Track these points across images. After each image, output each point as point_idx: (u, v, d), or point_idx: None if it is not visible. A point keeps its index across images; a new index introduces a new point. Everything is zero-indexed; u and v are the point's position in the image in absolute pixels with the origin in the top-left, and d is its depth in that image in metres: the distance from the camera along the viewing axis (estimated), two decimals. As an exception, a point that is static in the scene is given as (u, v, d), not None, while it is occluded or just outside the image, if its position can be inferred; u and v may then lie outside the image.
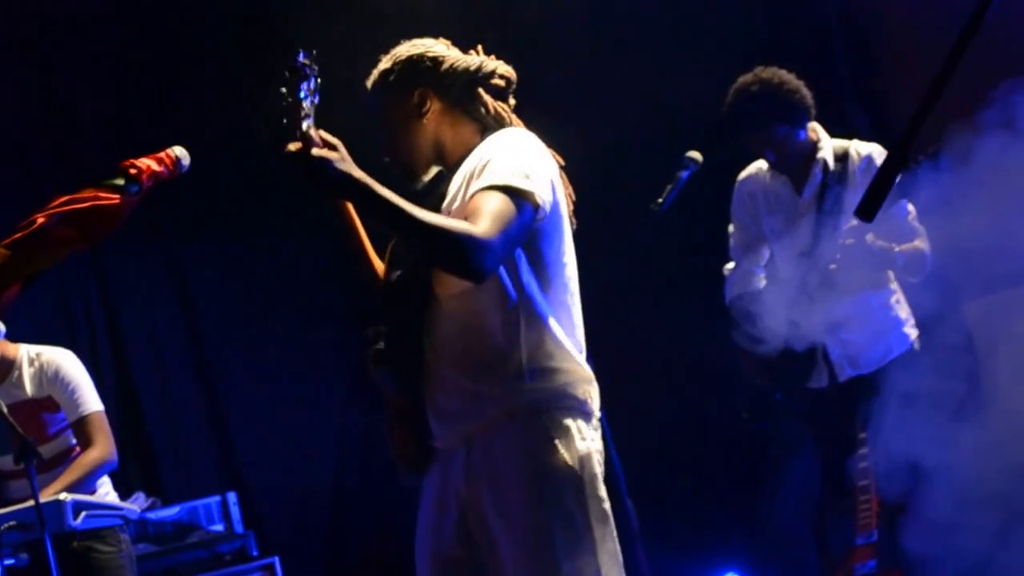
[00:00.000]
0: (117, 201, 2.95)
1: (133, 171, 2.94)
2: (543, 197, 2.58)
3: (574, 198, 2.81)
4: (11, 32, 6.06)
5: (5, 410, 3.97)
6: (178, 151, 3.00)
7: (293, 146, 2.42)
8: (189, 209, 6.22)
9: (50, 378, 4.37)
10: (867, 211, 1.90)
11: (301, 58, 2.48)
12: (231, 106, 6.02)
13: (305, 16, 5.76)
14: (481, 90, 2.77)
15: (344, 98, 2.87)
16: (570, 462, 2.58)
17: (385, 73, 2.78)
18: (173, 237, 6.43)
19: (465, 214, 2.51)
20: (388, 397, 2.77)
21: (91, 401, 4.39)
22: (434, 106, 2.75)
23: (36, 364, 4.40)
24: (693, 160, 4.24)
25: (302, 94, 2.47)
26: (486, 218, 2.47)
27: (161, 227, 6.26)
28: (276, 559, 5.17)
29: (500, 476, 2.59)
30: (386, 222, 2.46)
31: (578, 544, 2.55)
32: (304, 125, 2.44)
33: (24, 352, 4.44)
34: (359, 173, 2.42)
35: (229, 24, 6.22)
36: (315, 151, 2.40)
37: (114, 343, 6.19)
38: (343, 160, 2.44)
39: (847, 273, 4.21)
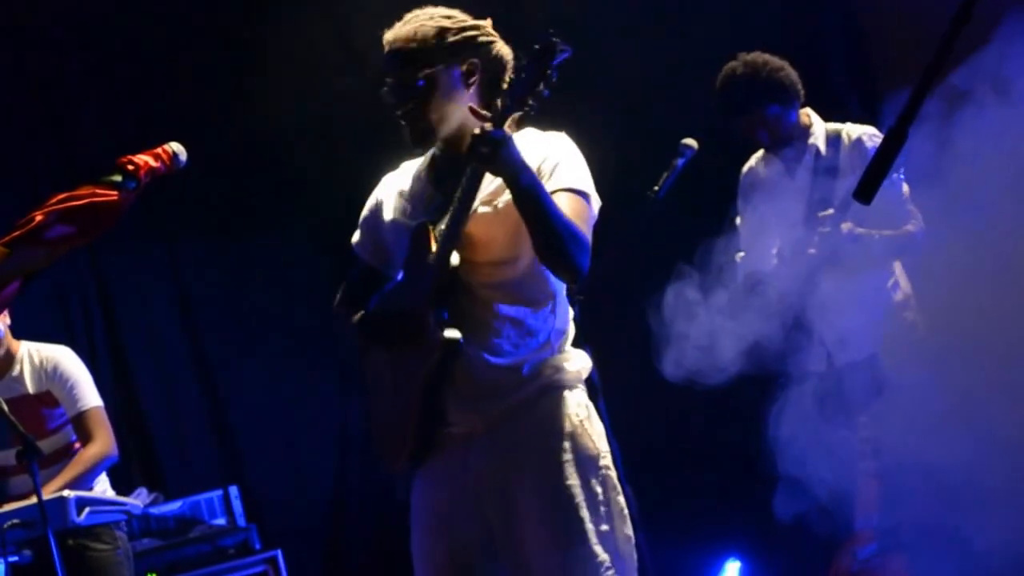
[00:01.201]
0: (115, 197, 2.94)
1: (130, 167, 2.93)
2: (599, 205, 2.70)
3: None
4: (8, 21, 6.06)
5: (6, 408, 4.00)
6: (175, 147, 2.99)
7: (488, 125, 2.51)
8: (186, 205, 6.22)
9: (49, 374, 4.40)
10: (865, 193, 1.89)
11: (559, 45, 2.54)
12: (230, 103, 6.04)
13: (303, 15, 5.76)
14: (504, 81, 2.79)
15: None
16: (594, 439, 2.68)
17: (444, 30, 2.74)
18: (171, 233, 6.43)
19: None
20: (391, 386, 2.76)
21: (90, 396, 4.42)
22: (476, 82, 2.76)
23: (36, 360, 4.43)
24: (688, 147, 4.25)
25: (551, 73, 2.54)
26: (581, 221, 2.59)
27: (159, 223, 6.26)
28: (279, 552, 5.18)
29: (528, 456, 2.64)
30: (531, 207, 2.53)
31: (601, 519, 2.62)
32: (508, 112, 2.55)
33: (25, 349, 4.48)
34: (520, 156, 2.51)
35: (231, 22, 6.21)
36: (507, 128, 2.52)
37: (112, 339, 6.19)
38: (510, 139, 2.51)
39: (825, 259, 4.22)
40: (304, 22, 5.73)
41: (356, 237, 2.93)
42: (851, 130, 4.34)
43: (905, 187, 4.20)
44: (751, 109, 4.30)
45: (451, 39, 2.74)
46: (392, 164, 2.99)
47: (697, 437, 5.91)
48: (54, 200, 2.94)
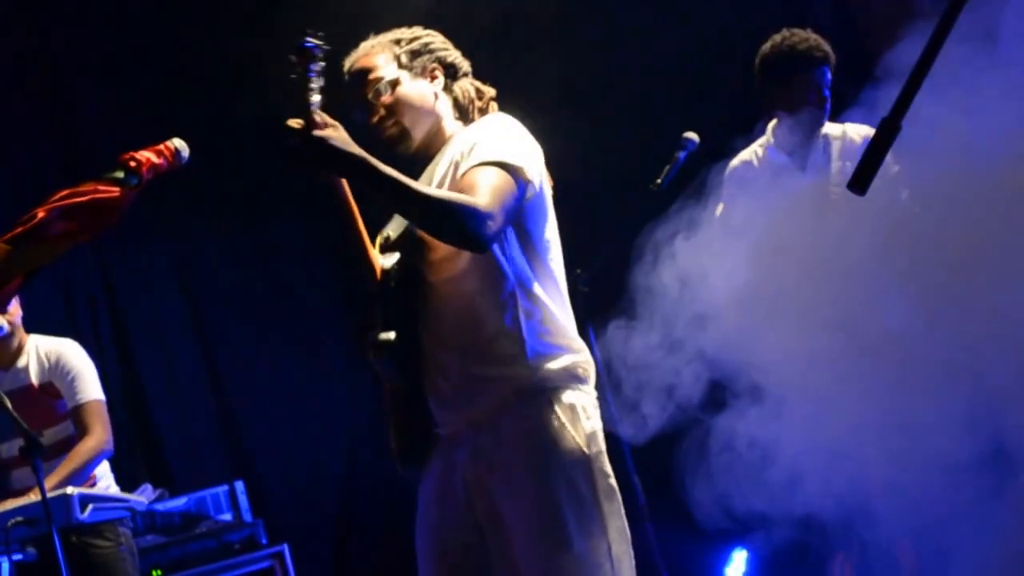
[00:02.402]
0: (117, 194, 2.93)
1: (132, 164, 2.93)
2: (532, 173, 2.65)
3: (552, 183, 2.84)
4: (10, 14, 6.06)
5: (9, 404, 4.01)
6: (177, 143, 2.99)
7: (295, 122, 2.48)
8: (194, 200, 6.23)
9: (52, 366, 4.46)
10: (860, 183, 1.87)
11: (310, 40, 2.52)
12: (232, 97, 6.02)
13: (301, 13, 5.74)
14: (471, 85, 2.88)
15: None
16: (578, 440, 2.62)
17: (398, 41, 2.85)
18: (176, 228, 6.43)
19: (460, 189, 2.55)
20: (388, 388, 2.78)
21: (90, 390, 4.46)
22: (441, 86, 2.84)
23: (41, 352, 4.50)
24: (690, 140, 4.24)
25: (310, 75, 2.51)
26: (484, 190, 2.54)
27: (165, 218, 6.26)
28: (285, 547, 5.19)
29: (509, 457, 2.61)
30: (388, 196, 2.52)
31: (588, 522, 2.57)
32: (311, 106, 2.48)
33: (33, 341, 4.56)
34: (358, 150, 2.48)
35: (237, 14, 6.21)
36: (316, 131, 2.45)
37: (118, 334, 6.19)
38: (343, 140, 2.48)
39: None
40: (310, 14, 5.72)
41: None
42: (856, 130, 4.31)
43: None
44: (820, 65, 4.26)
45: (407, 46, 2.84)
46: (408, 169, 3.00)
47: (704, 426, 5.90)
48: (56, 197, 2.94)
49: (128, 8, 6.17)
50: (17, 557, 4.13)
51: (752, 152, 4.44)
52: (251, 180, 6.27)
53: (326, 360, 6.55)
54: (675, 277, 3.70)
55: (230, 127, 5.80)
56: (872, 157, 1.85)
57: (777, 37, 4.31)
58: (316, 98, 2.50)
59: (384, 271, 2.69)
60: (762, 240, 3.74)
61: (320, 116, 2.50)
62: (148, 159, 2.96)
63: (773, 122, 4.40)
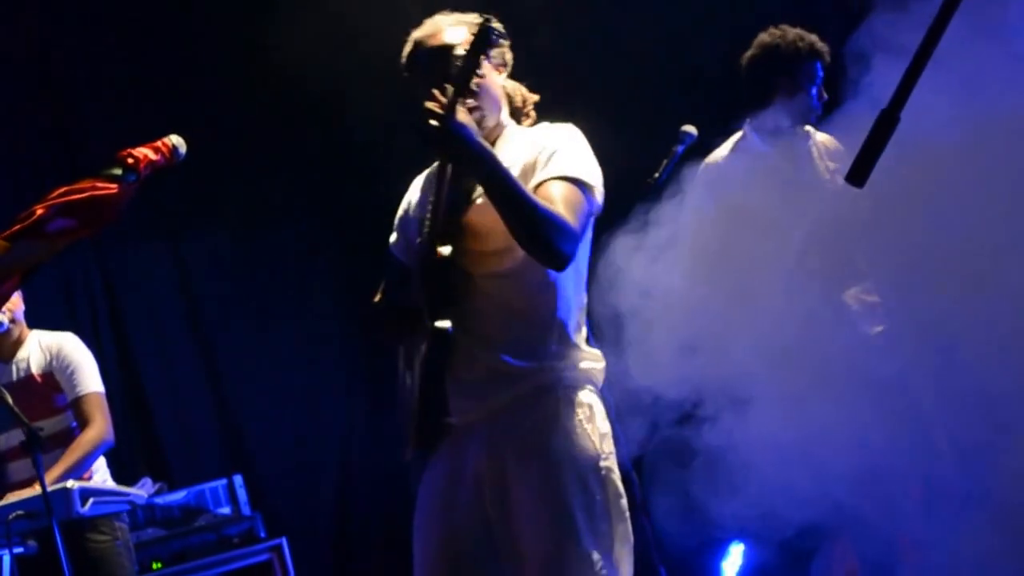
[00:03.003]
0: (115, 190, 2.94)
1: (130, 160, 2.94)
2: (600, 193, 2.70)
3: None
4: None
5: (10, 400, 4.03)
6: (175, 139, 3.00)
7: (434, 105, 2.50)
8: (193, 198, 6.24)
9: (52, 358, 4.49)
10: (858, 176, 1.86)
11: (492, 27, 2.57)
12: (238, 96, 6.04)
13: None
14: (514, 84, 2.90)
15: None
16: (592, 439, 2.65)
17: (484, 29, 2.77)
18: (175, 224, 6.44)
19: (543, 199, 2.57)
20: (405, 372, 2.79)
21: (90, 382, 4.49)
22: (504, 78, 2.84)
23: (42, 345, 4.54)
24: (688, 134, 4.25)
25: (477, 62, 2.56)
26: (568, 207, 2.58)
27: (163, 214, 6.27)
28: (284, 540, 5.21)
29: (525, 451, 2.63)
30: (497, 194, 2.55)
31: (597, 520, 2.60)
32: (464, 91, 2.55)
33: (33, 335, 4.60)
34: (486, 144, 2.54)
35: (237, 18, 6.22)
36: (460, 115, 2.50)
37: (118, 330, 6.21)
38: (477, 131, 2.53)
39: None
40: (310, 22, 5.73)
41: (392, 238, 2.96)
42: (824, 137, 4.33)
43: None
44: (815, 62, 4.27)
45: (489, 36, 2.76)
46: (409, 167, 3.02)
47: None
48: (55, 194, 2.95)
49: (129, 8, 6.20)
50: (18, 550, 4.15)
51: (725, 150, 4.39)
52: (254, 180, 6.30)
53: (325, 355, 6.57)
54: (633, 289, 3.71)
55: (236, 124, 5.83)
56: (870, 149, 1.84)
57: (781, 29, 4.31)
58: (473, 87, 2.56)
59: (441, 258, 2.68)
60: (745, 227, 3.75)
61: (460, 104, 2.54)
62: (146, 156, 2.97)
63: (750, 121, 4.36)
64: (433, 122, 2.48)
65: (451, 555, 2.68)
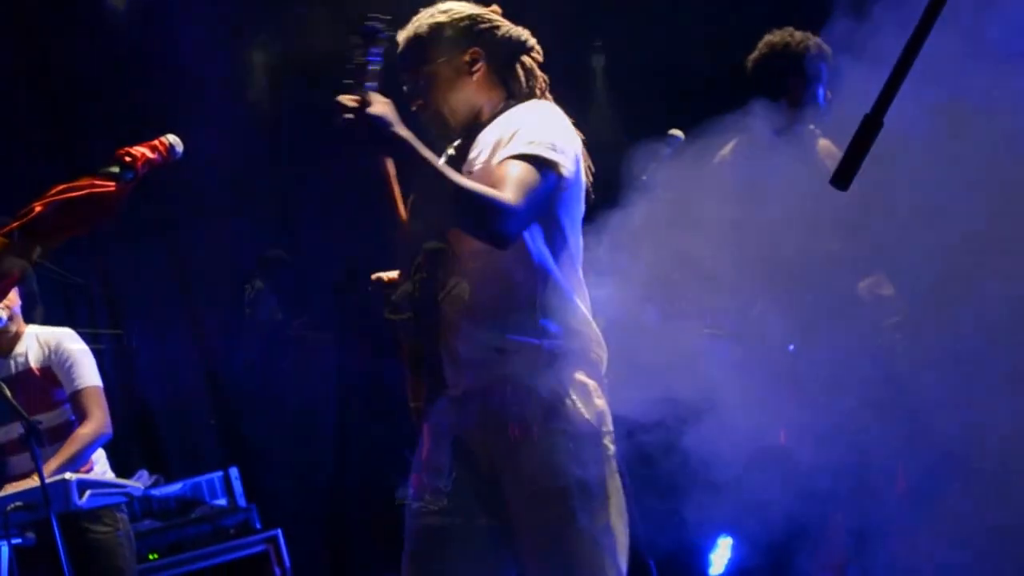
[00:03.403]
0: (112, 188, 2.98)
1: (128, 159, 2.97)
2: (567, 167, 2.68)
3: (593, 170, 2.89)
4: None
5: (8, 393, 4.07)
6: (171, 138, 3.03)
7: (349, 98, 2.50)
8: (187, 194, 6.29)
9: (50, 353, 4.52)
10: (843, 179, 1.88)
11: (374, 23, 2.58)
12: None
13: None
14: (521, 61, 2.86)
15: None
16: (587, 417, 2.68)
17: (440, 26, 2.84)
18: (173, 222, 6.49)
19: (492, 180, 2.59)
20: (404, 346, 2.84)
21: (87, 375, 4.53)
22: (482, 68, 2.84)
23: (40, 340, 4.57)
24: (675, 137, 4.29)
25: (370, 58, 2.56)
26: (512, 185, 2.57)
27: (162, 212, 6.32)
28: (279, 531, 5.25)
29: (518, 427, 2.66)
30: (422, 181, 2.59)
31: (590, 498, 2.63)
32: (367, 86, 2.53)
33: (31, 330, 4.64)
34: (407, 132, 2.52)
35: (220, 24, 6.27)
36: (370, 109, 2.49)
37: (114, 325, 6.25)
38: (395, 118, 2.52)
39: None
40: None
41: None
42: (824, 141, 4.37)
43: None
44: (822, 63, 4.31)
45: (449, 32, 2.81)
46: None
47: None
48: (53, 191, 2.99)
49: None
50: (16, 541, 4.19)
51: (729, 148, 4.42)
52: (253, 172, 6.34)
53: (320, 350, 6.61)
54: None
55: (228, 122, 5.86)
56: (855, 153, 1.85)
57: (787, 30, 4.36)
58: (373, 82, 2.55)
59: (412, 234, 2.76)
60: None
61: (373, 95, 2.54)
62: (143, 154, 3.01)
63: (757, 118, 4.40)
64: (348, 115, 2.49)
65: (434, 521, 2.72)
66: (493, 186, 2.57)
